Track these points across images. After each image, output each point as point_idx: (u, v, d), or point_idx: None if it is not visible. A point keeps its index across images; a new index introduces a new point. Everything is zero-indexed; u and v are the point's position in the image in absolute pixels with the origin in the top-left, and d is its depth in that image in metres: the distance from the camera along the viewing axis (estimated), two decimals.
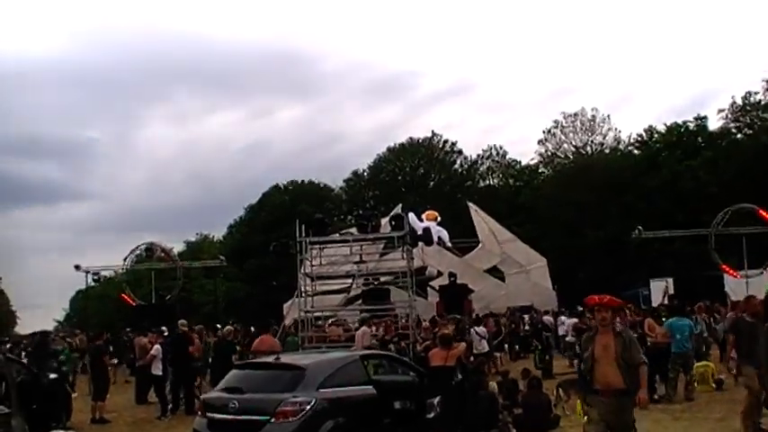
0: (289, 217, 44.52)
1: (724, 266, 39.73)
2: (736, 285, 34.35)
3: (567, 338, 26.23)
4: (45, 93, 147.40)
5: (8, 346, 26.93)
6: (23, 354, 27.76)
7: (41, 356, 25.84)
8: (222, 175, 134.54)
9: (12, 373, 12.38)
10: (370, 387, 11.10)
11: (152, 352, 19.90)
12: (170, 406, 18.89)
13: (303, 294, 22.60)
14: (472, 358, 20.44)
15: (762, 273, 35.34)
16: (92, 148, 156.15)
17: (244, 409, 10.29)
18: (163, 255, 45.25)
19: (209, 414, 10.75)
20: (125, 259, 43.60)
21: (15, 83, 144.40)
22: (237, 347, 21.35)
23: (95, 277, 45.91)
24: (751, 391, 11.49)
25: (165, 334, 21.21)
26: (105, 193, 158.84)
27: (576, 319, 25.85)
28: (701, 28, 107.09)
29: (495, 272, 43.37)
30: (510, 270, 42.82)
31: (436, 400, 10.55)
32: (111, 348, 25.84)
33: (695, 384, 17.60)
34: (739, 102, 61.20)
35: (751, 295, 14.59)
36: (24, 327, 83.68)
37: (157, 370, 19.46)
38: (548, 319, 29.69)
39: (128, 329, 36.41)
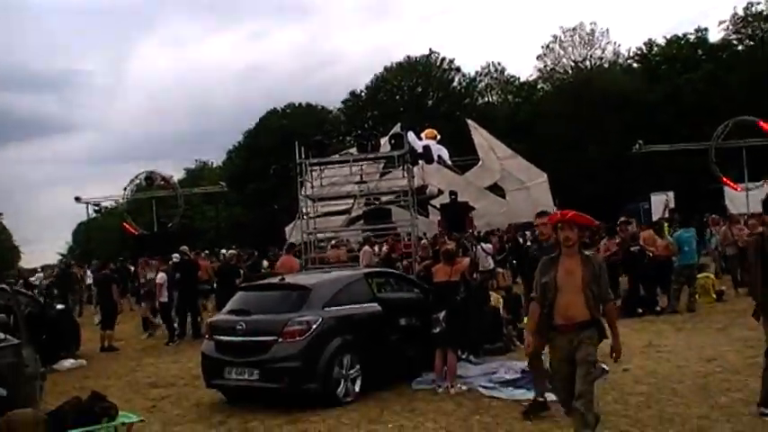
0: (287, 141, 44.28)
1: (724, 179, 39.65)
2: (736, 198, 34.37)
3: None
4: (40, 24, 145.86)
5: (20, 281, 26.88)
6: (46, 285, 28.06)
7: (66, 286, 26.17)
8: (219, 101, 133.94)
9: (20, 305, 12.44)
10: (376, 304, 11.16)
11: (157, 280, 19.96)
12: (177, 332, 19.06)
13: (305, 216, 22.62)
14: (476, 275, 20.55)
15: (762, 184, 35.26)
16: (87, 79, 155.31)
17: (251, 330, 10.35)
18: (163, 183, 45.04)
19: (217, 337, 10.83)
20: (125, 189, 43.53)
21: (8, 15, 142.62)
22: (241, 271, 21.42)
23: (96, 208, 45.93)
24: None
25: (173, 261, 21.22)
26: (103, 124, 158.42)
27: None
28: None
29: (495, 189, 43.31)
30: (510, 187, 42.74)
31: (441, 316, 10.57)
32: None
33: (697, 296, 17.73)
34: (740, 13, 60.40)
35: None
36: (28, 261, 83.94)
37: (163, 297, 19.56)
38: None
39: (131, 259, 36.52)
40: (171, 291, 19.58)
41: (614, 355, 7.39)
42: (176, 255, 21.27)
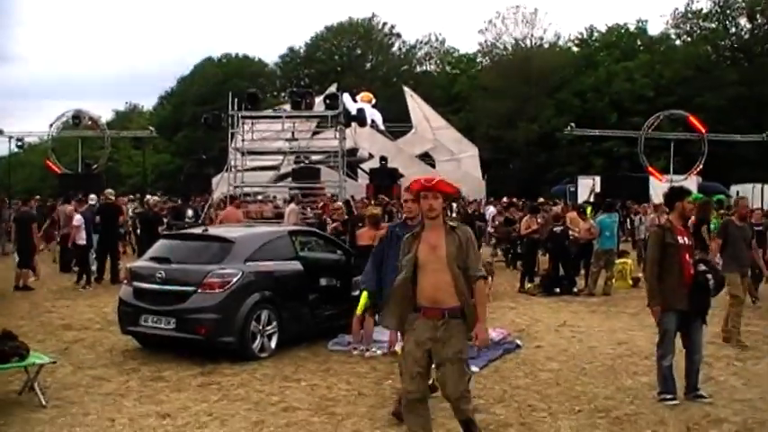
0: (221, 91, 43.87)
1: (650, 169, 40.60)
2: (660, 188, 35.17)
3: (488, 229, 26.65)
4: None
5: None
6: None
7: None
8: (153, 43, 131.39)
9: None
10: (297, 262, 11.17)
11: (74, 222, 19.41)
12: (95, 276, 18.75)
13: (233, 169, 22.47)
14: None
15: (686, 178, 36.18)
16: (16, 7, 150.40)
17: (170, 279, 10.27)
18: (90, 123, 44.14)
19: (135, 283, 10.70)
20: (51, 125, 42.55)
21: None
22: (165, 219, 21.18)
23: (19, 143, 44.95)
24: (735, 298, 11.50)
25: (92, 203, 20.82)
26: (31, 56, 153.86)
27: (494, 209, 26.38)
28: None
29: (426, 158, 43.58)
30: (441, 157, 43.08)
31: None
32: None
33: (614, 281, 18.17)
34: (681, 9, 61.59)
35: (742, 197, 14.79)
36: None
37: (80, 240, 19.13)
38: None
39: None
40: (89, 233, 19.18)
41: (476, 342, 6.32)
42: (93, 196, 20.92)
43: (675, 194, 8.68)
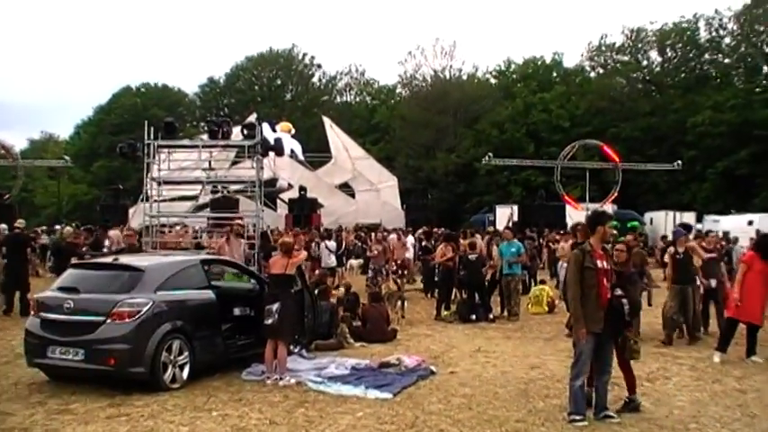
0: (139, 120, 43.32)
1: (567, 197, 41.49)
2: (577, 216, 35.89)
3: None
4: None
5: None
6: None
7: None
8: (70, 71, 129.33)
9: None
10: (210, 291, 11.07)
11: None
12: (2, 308, 18.27)
13: (149, 199, 22.17)
14: (318, 271, 20.66)
15: (601, 206, 36.98)
16: None
17: (79, 309, 10.05)
18: (3, 152, 43.24)
19: (43, 314, 10.45)
20: None
21: None
22: (83, 249, 20.76)
23: None
24: None
25: (7, 233, 20.32)
26: None
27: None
28: None
29: (345, 188, 43.75)
30: (361, 187, 43.27)
31: (275, 307, 10.58)
32: None
33: (529, 306, 18.46)
34: (596, 42, 63.32)
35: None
36: None
37: None
38: (392, 238, 30.21)
39: None
40: None
41: None
42: (3, 226, 20.46)
43: (597, 218, 8.90)
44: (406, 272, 23.98)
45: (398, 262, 23.34)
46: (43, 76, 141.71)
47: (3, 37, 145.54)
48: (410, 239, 28.18)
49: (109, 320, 9.80)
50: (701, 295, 14.73)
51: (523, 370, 11.55)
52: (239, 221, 19.72)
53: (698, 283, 14.62)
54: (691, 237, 16.29)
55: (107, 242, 22.37)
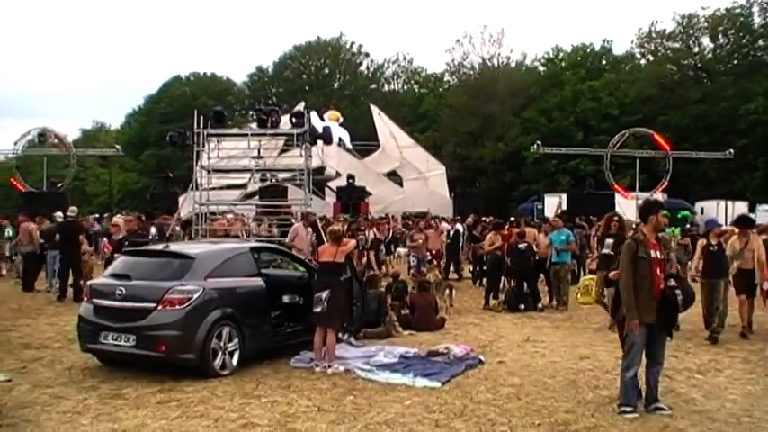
0: (188, 109, 43.70)
1: (616, 186, 41.04)
2: (627, 206, 35.49)
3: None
4: None
5: None
6: None
7: None
8: (121, 62, 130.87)
9: None
10: (259, 279, 11.13)
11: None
12: (56, 293, 18.61)
13: (199, 187, 22.37)
14: (365, 260, 20.68)
15: (651, 196, 36.50)
16: None
17: (130, 295, 10.17)
18: (56, 141, 43.97)
19: (96, 300, 10.60)
20: (16, 143, 42.26)
21: None
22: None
23: None
24: None
25: (60, 220, 20.68)
26: None
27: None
28: None
29: (393, 176, 43.70)
30: (408, 176, 43.22)
31: (324, 295, 10.61)
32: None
33: (577, 296, 18.29)
34: (645, 29, 62.36)
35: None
36: None
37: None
38: (444, 225, 30.06)
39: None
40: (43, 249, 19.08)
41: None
42: (59, 214, 20.76)
43: (650, 207, 8.74)
44: (441, 261, 23.74)
45: (433, 252, 23.17)
46: (95, 66, 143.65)
47: (54, 30, 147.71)
48: (459, 227, 28.07)
49: (160, 307, 9.90)
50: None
51: (572, 360, 11.44)
52: (309, 210, 19.76)
53: (729, 278, 13.96)
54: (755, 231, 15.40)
55: (152, 230, 22.67)
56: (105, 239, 17.69)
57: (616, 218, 15.53)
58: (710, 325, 13.34)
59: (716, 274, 13.57)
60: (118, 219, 17.26)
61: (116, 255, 13.71)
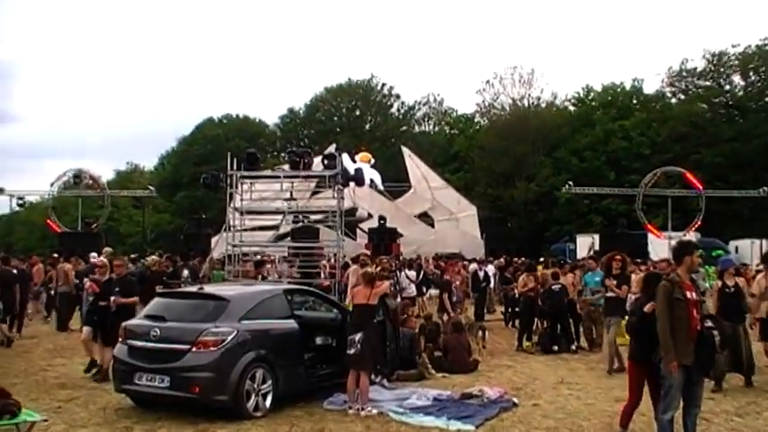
0: (221, 151, 44.13)
1: (649, 226, 40.76)
2: (659, 245, 35.19)
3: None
4: None
5: None
6: None
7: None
8: (155, 104, 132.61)
9: None
10: (293, 321, 11.17)
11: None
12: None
13: (231, 229, 22.50)
14: (399, 299, 20.62)
15: (684, 235, 36.22)
16: (19, 68, 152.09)
17: (165, 337, 10.26)
18: (91, 182, 44.56)
19: (130, 341, 10.70)
20: (52, 184, 42.90)
21: None
22: (164, 278, 21.12)
23: (20, 201, 45.25)
24: None
25: (94, 261, 20.80)
26: (32, 116, 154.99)
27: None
28: None
29: (424, 217, 43.65)
30: (440, 216, 43.12)
31: (357, 337, 10.63)
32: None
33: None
34: (676, 67, 62.18)
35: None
36: None
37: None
38: (474, 267, 29.95)
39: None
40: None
41: None
42: (93, 254, 20.92)
43: (684, 248, 8.68)
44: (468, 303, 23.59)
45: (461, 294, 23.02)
46: (129, 108, 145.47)
47: (89, 73, 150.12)
48: (490, 269, 27.95)
49: (194, 349, 9.96)
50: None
51: (608, 402, 11.32)
52: (365, 252, 19.83)
53: (748, 321, 13.30)
54: None
55: (185, 272, 22.72)
56: (87, 280, 17.25)
57: (618, 257, 15.34)
58: (739, 371, 12.89)
59: (733, 317, 12.51)
60: (102, 258, 16.19)
61: (101, 302, 13.62)
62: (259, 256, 24.69)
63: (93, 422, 10.04)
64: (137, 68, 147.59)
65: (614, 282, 14.57)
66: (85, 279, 19.06)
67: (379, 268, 13.19)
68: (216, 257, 25.85)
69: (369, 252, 22.74)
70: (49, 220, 43.86)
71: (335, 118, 77.43)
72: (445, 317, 17.32)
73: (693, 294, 8.30)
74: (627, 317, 11.50)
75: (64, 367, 14.71)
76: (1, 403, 8.25)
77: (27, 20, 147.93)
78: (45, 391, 12.15)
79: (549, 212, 57.96)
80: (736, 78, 60.70)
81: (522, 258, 31.43)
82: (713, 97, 60.14)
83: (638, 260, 24.00)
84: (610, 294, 14.76)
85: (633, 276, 16.10)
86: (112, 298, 13.30)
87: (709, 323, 8.34)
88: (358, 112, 77.89)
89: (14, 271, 20.15)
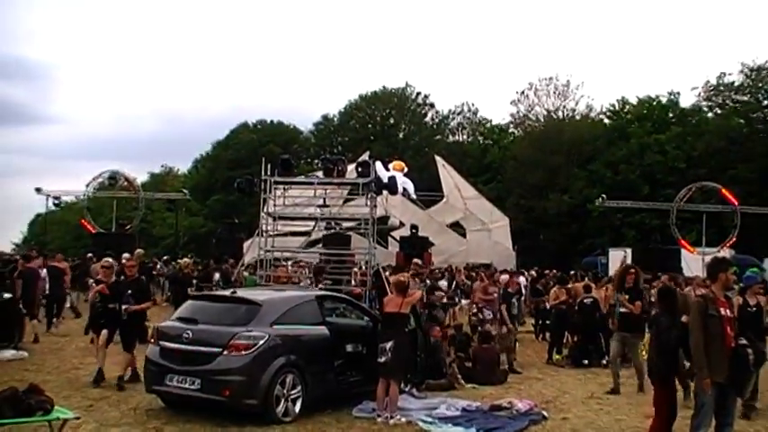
0: (255, 156, 44.31)
1: (682, 242, 40.38)
2: (693, 261, 34.85)
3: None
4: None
5: None
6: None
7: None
8: (190, 107, 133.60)
9: None
10: (324, 327, 11.21)
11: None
12: None
13: (264, 234, 22.58)
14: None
15: (719, 251, 35.82)
16: (60, 72, 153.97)
17: (197, 339, 10.34)
18: (126, 184, 44.93)
19: (162, 342, 10.79)
20: (87, 185, 43.25)
21: None
22: (194, 280, 21.30)
23: (56, 201, 45.69)
24: None
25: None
26: (72, 118, 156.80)
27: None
28: (680, 6, 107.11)
29: (456, 227, 43.59)
30: (472, 227, 42.99)
31: (388, 346, 10.64)
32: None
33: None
34: (713, 81, 61.53)
35: None
36: None
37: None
38: (504, 278, 29.81)
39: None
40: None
41: None
42: (126, 255, 21.08)
43: (718, 265, 8.64)
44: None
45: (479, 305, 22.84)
46: (165, 112, 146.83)
47: (126, 77, 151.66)
48: (522, 280, 27.84)
49: (226, 352, 10.04)
50: None
51: (638, 418, 11.24)
52: (417, 261, 19.83)
53: None
54: None
55: (216, 275, 22.84)
56: (93, 282, 17.11)
57: (632, 270, 15.13)
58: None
59: (755, 338, 11.39)
60: (108, 260, 15.19)
61: (110, 305, 13.28)
62: (314, 262, 24.80)
63: (123, 422, 10.13)
64: (174, 73, 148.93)
65: (627, 296, 14.35)
66: (90, 281, 19.25)
67: (411, 272, 13.21)
68: (248, 262, 25.99)
69: (420, 261, 22.70)
70: (83, 221, 44.20)
71: (369, 126, 77.46)
72: (504, 329, 17.04)
73: (728, 311, 8.26)
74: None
75: (96, 365, 14.81)
76: (35, 399, 8.34)
77: (68, 23, 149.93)
78: (77, 389, 12.27)
79: (582, 225, 57.54)
80: None
81: (554, 271, 31.29)
82: (750, 112, 59.40)
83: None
84: (623, 310, 14.40)
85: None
86: (124, 306, 13.02)
87: (743, 340, 8.27)
88: (392, 121, 77.85)
89: (44, 270, 20.42)
